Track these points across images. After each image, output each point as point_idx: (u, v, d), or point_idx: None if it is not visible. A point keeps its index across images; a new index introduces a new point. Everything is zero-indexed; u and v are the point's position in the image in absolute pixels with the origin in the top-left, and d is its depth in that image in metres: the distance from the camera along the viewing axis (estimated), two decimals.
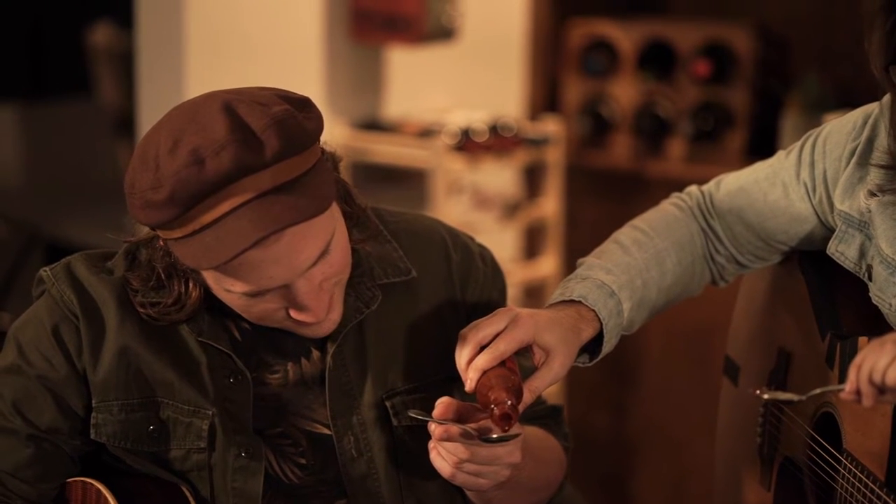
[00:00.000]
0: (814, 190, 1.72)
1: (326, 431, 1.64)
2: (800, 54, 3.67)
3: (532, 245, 3.78)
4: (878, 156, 1.62)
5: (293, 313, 1.55)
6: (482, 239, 3.59)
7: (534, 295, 3.71)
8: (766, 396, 1.56)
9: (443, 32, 3.33)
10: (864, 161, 1.64)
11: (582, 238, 3.85)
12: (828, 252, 1.69)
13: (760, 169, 1.78)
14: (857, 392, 1.43)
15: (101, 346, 1.61)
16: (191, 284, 1.59)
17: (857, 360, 1.43)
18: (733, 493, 1.91)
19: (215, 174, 1.44)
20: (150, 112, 3.31)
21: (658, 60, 3.70)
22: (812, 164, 1.71)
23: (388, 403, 1.65)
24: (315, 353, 1.65)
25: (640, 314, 1.72)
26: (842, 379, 1.62)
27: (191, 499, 1.60)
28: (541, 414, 1.77)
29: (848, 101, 1.83)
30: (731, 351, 1.97)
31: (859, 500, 1.54)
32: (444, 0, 3.28)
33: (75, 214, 4.70)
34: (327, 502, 1.64)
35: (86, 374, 1.61)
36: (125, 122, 4.29)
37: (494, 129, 3.40)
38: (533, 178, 3.70)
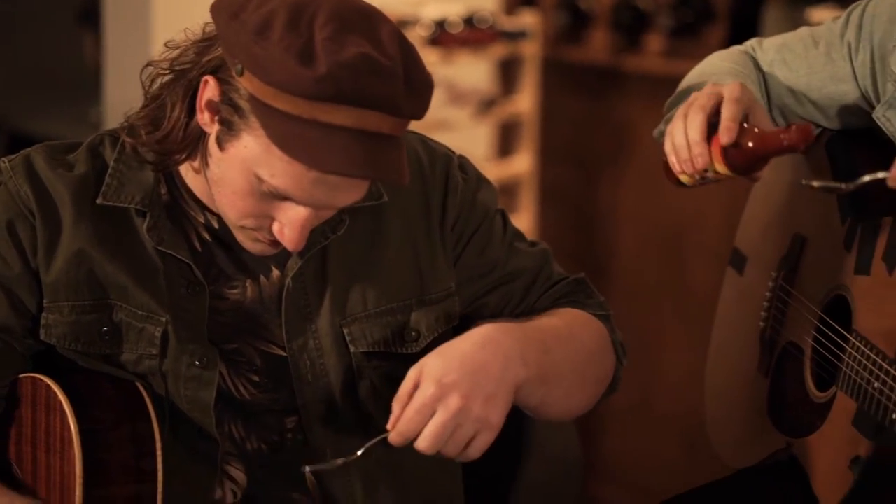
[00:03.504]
0: (857, 51, 1.69)
1: (282, 353, 1.62)
2: None
3: (507, 142, 3.72)
4: None
5: (277, 229, 1.51)
6: (455, 135, 3.57)
7: (508, 192, 3.66)
8: (815, 184, 1.52)
9: None
10: None
11: (558, 135, 3.79)
12: (874, 116, 1.66)
13: (804, 29, 1.77)
14: None
15: (55, 246, 1.57)
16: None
17: None
18: (728, 381, 1.89)
19: (374, 92, 1.41)
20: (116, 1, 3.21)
21: None
22: (860, 26, 1.69)
23: (345, 330, 1.62)
24: (275, 272, 1.62)
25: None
26: (860, 261, 1.59)
27: (145, 395, 1.57)
28: (564, 291, 1.71)
29: None
30: (739, 242, 1.94)
31: (864, 377, 1.52)
32: None
33: (39, 106, 4.60)
34: (278, 418, 1.62)
35: (38, 272, 1.58)
36: (90, 11, 4.17)
37: (470, 22, 3.33)
38: (508, 73, 3.64)
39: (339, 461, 1.52)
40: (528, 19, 3.50)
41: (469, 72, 3.58)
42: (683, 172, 1.57)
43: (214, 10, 1.48)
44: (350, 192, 1.49)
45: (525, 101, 3.57)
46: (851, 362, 1.56)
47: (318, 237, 1.60)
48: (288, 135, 1.43)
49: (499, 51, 3.46)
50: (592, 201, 3.85)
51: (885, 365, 1.49)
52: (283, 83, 1.41)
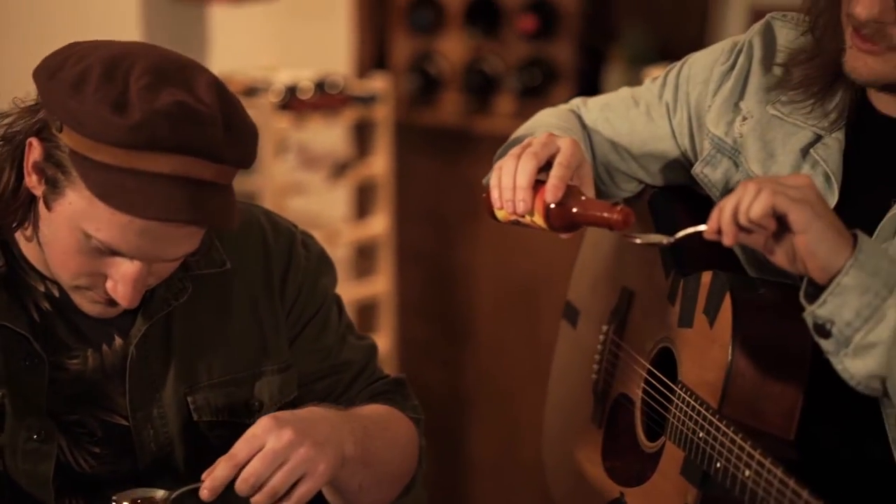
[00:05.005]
0: (675, 111, 1.76)
1: (124, 423, 1.60)
2: (623, 9, 3.71)
3: (363, 204, 3.76)
4: (781, 55, 1.66)
5: (111, 286, 1.51)
6: (312, 199, 3.59)
7: (366, 253, 3.69)
8: (637, 241, 1.57)
9: None
10: (741, 87, 1.68)
11: (414, 196, 3.84)
12: (693, 172, 1.72)
13: (625, 89, 1.83)
14: (719, 231, 1.45)
15: None
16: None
17: (720, 202, 1.46)
18: (564, 433, 1.93)
19: (191, 138, 1.42)
20: None
21: (484, 16, 3.71)
22: (676, 87, 1.76)
23: (189, 399, 1.62)
24: (118, 341, 1.61)
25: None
26: (683, 314, 1.65)
27: None
28: (383, 389, 1.74)
29: (670, 55, 1.87)
30: (572, 296, 1.99)
31: (690, 427, 1.56)
32: None
33: None
34: (120, 490, 1.58)
35: None
36: None
37: (321, 87, 3.36)
38: (362, 137, 3.68)
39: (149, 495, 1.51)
40: (379, 84, 3.54)
41: (323, 135, 3.62)
42: (502, 209, 1.62)
43: (35, 73, 1.49)
44: (180, 244, 1.49)
45: (379, 164, 3.61)
46: (678, 413, 1.61)
47: (160, 304, 1.60)
48: (108, 185, 1.43)
49: (351, 115, 3.49)
50: (450, 260, 3.90)
51: (708, 415, 1.54)
52: (98, 134, 1.42)
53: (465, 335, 3.87)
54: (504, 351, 3.78)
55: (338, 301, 1.74)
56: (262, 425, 1.49)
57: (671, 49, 3.33)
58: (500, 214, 1.63)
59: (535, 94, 3.64)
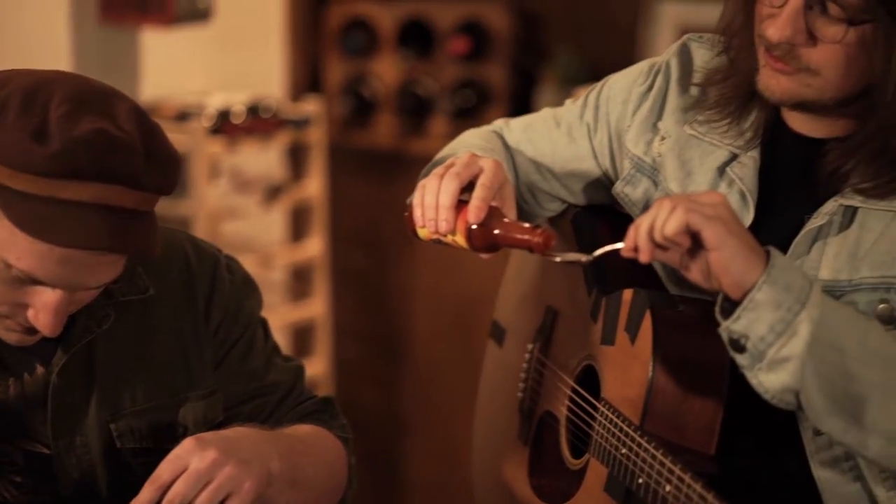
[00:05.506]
0: (595, 131, 1.78)
1: (46, 451, 1.59)
2: (553, 31, 3.75)
3: (298, 227, 3.76)
4: (698, 75, 1.69)
5: (32, 315, 1.50)
6: (245, 223, 3.59)
7: (302, 276, 3.69)
8: (557, 259, 1.58)
9: (197, 13, 3.27)
10: (659, 107, 1.71)
11: (347, 218, 3.84)
12: (614, 191, 1.74)
13: (547, 110, 1.85)
14: (635, 249, 1.47)
15: None
16: None
17: (637, 220, 1.48)
18: (492, 452, 1.94)
19: (111, 166, 1.42)
20: None
21: (417, 39, 3.73)
22: (596, 107, 1.78)
23: (112, 426, 1.61)
24: (39, 370, 1.59)
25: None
26: (605, 332, 1.67)
27: None
28: (311, 409, 1.74)
29: (600, 75, 1.91)
30: (498, 315, 2.00)
31: (613, 443, 1.58)
32: None
33: None
34: None
35: None
36: None
37: (254, 111, 3.36)
38: (297, 160, 3.68)
39: None
40: (312, 107, 3.55)
41: (257, 159, 3.61)
42: (424, 227, 1.63)
43: None
44: (102, 271, 1.49)
45: (314, 186, 3.61)
46: (601, 430, 1.62)
47: (82, 332, 1.59)
48: (28, 214, 1.43)
49: (285, 138, 3.50)
50: (385, 282, 3.91)
51: (630, 431, 1.56)
52: (18, 163, 1.42)
53: (401, 356, 3.87)
54: (440, 371, 3.79)
55: (263, 323, 1.75)
56: (185, 446, 1.49)
57: (602, 70, 3.33)
58: (421, 233, 1.64)
59: (469, 115, 3.66)
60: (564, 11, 3.72)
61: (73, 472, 1.59)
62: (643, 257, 1.46)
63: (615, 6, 3.63)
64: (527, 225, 1.58)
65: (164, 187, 1.48)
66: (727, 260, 1.43)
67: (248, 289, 1.73)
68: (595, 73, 3.54)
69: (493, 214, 1.60)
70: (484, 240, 1.59)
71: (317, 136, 3.56)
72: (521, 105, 3.66)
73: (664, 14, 3.51)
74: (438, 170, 1.64)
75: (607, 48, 3.58)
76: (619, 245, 1.51)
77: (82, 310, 1.57)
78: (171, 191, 1.50)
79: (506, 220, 1.59)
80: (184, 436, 1.63)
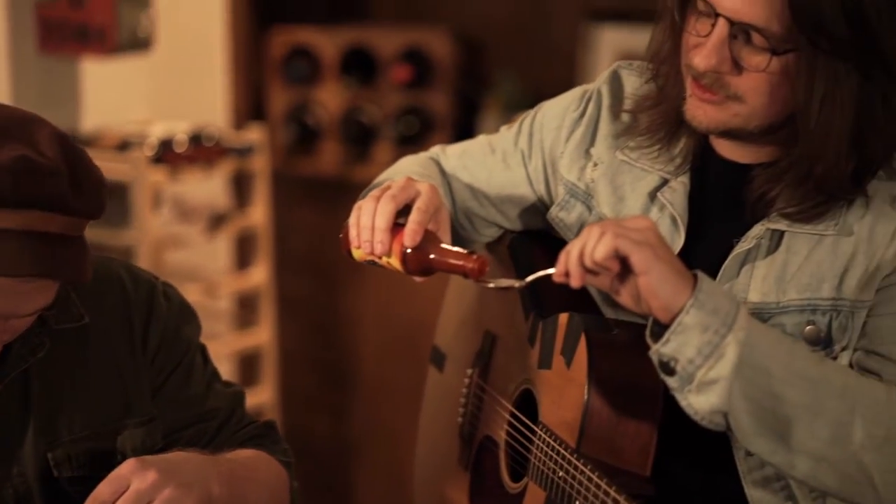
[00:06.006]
0: (530, 157, 1.80)
1: None
2: (495, 57, 3.78)
3: (244, 254, 3.76)
4: (628, 102, 1.72)
5: None
6: (190, 252, 3.58)
7: (248, 304, 3.69)
8: (490, 285, 1.60)
9: (138, 43, 3.27)
10: (591, 134, 1.74)
11: (292, 245, 3.85)
12: (548, 217, 1.77)
13: (482, 137, 1.88)
14: (567, 274, 1.49)
15: None
16: None
17: (567, 246, 1.50)
18: (433, 477, 1.96)
19: (36, 192, 1.42)
20: None
21: (360, 67, 3.75)
22: (531, 134, 1.81)
23: (49, 455, 1.61)
24: None
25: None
26: (542, 356, 1.69)
27: None
28: (252, 434, 1.75)
29: (542, 100, 1.94)
30: (438, 340, 2.02)
31: (551, 466, 1.60)
32: (136, 10, 3.22)
33: None
34: None
35: None
36: None
37: (197, 140, 3.37)
38: (241, 188, 3.68)
39: None
40: (255, 135, 3.56)
41: (201, 188, 3.61)
42: (360, 248, 1.64)
43: None
44: (33, 298, 1.49)
45: (258, 214, 3.62)
46: (539, 453, 1.64)
47: (17, 361, 1.59)
48: None
49: (228, 166, 3.50)
50: (332, 308, 3.91)
51: (567, 454, 1.58)
52: None
53: (349, 382, 3.87)
54: (389, 397, 3.80)
55: (202, 349, 1.75)
56: (126, 466, 1.50)
57: (543, 95, 3.35)
58: (356, 253, 1.66)
59: (413, 142, 3.68)
60: (506, 38, 3.75)
61: (9, 501, 1.58)
62: (574, 282, 1.49)
63: (555, 32, 3.67)
64: (462, 250, 1.60)
65: (92, 211, 1.49)
66: (655, 284, 1.45)
67: (185, 315, 1.73)
68: (537, 98, 3.54)
69: (428, 238, 1.61)
70: (418, 263, 1.61)
71: (260, 164, 3.57)
72: (464, 131, 3.68)
73: (603, 39, 3.55)
74: (375, 192, 1.66)
75: (548, 74, 3.62)
76: (551, 270, 1.53)
77: (17, 338, 1.57)
78: (100, 214, 1.50)
79: (441, 244, 1.61)
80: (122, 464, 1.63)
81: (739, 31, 1.51)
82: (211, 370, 1.75)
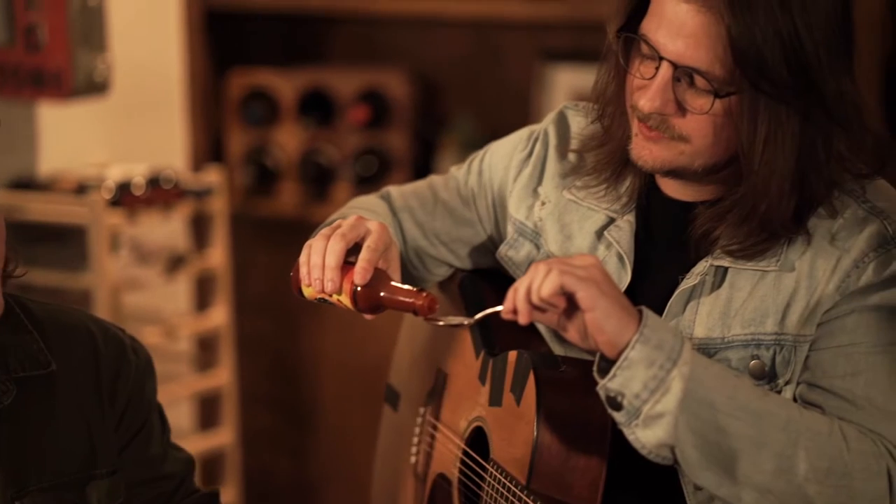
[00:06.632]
0: (479, 197, 1.84)
1: None
2: (452, 97, 3.81)
3: (203, 296, 3.76)
4: (575, 142, 1.74)
5: None
6: (148, 294, 3.58)
7: (207, 346, 3.69)
8: (440, 323, 1.62)
9: (94, 87, 3.27)
10: (538, 173, 1.76)
11: (252, 286, 3.85)
12: (497, 256, 1.79)
13: (433, 178, 1.91)
14: (515, 311, 1.51)
15: None
16: None
17: (515, 284, 1.52)
18: None
19: None
20: None
21: (318, 108, 3.77)
22: (480, 173, 1.84)
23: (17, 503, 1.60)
24: None
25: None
26: (493, 393, 1.70)
27: None
28: (199, 502, 1.75)
29: (498, 139, 1.98)
30: (392, 379, 2.03)
31: (501, 503, 1.61)
32: (92, 54, 3.23)
33: None
34: None
35: None
36: None
37: (155, 182, 3.37)
38: (199, 230, 3.69)
39: None
40: (213, 177, 3.57)
41: (159, 230, 3.62)
42: (310, 286, 1.66)
43: None
44: None
45: (217, 256, 3.62)
46: (491, 491, 1.66)
47: None
48: None
49: (186, 208, 3.51)
50: (292, 349, 3.91)
51: (517, 491, 1.59)
52: None
53: (310, 423, 3.87)
54: (350, 437, 3.80)
55: (159, 409, 1.75)
56: None
57: (499, 134, 3.38)
58: (307, 291, 1.68)
59: (371, 182, 3.70)
60: (462, 79, 3.78)
61: None
62: (522, 319, 1.51)
63: (510, 73, 3.70)
64: (411, 288, 1.62)
65: None
66: (601, 320, 1.48)
67: (149, 371, 1.73)
68: (493, 137, 3.59)
69: (378, 276, 1.63)
70: (368, 301, 1.63)
71: (219, 206, 3.58)
72: (422, 171, 3.70)
73: (558, 79, 3.59)
74: (325, 230, 1.67)
75: (504, 114, 3.65)
76: (499, 308, 1.55)
77: None
78: None
79: (391, 282, 1.63)
80: None
81: (683, 74, 1.54)
82: (167, 432, 1.75)
